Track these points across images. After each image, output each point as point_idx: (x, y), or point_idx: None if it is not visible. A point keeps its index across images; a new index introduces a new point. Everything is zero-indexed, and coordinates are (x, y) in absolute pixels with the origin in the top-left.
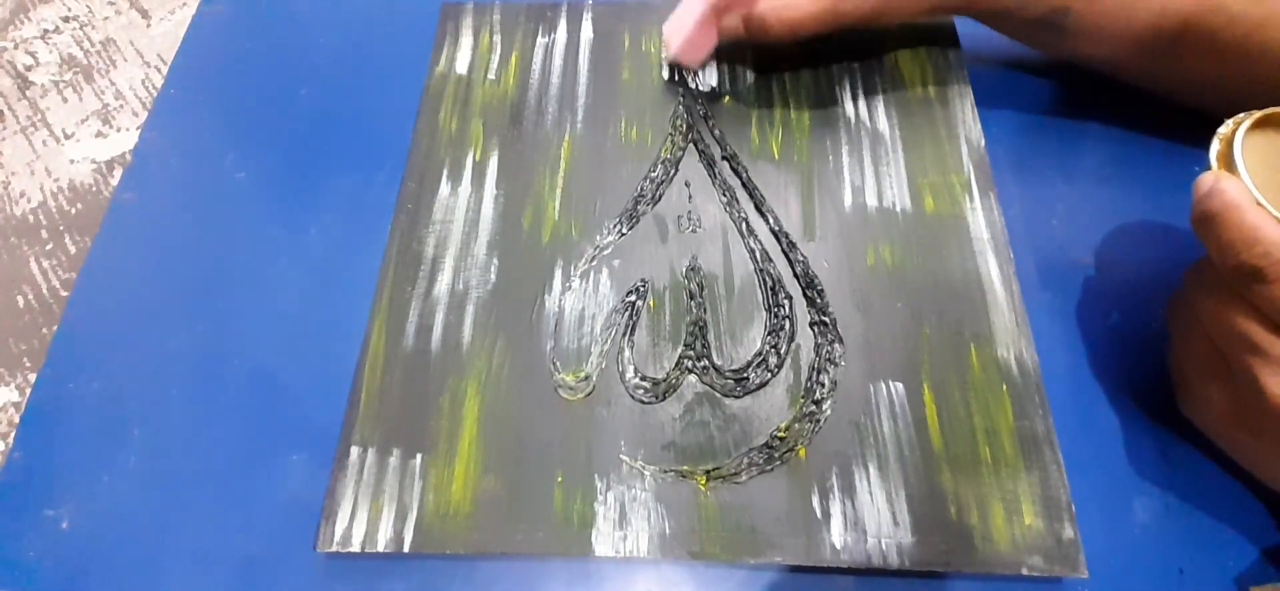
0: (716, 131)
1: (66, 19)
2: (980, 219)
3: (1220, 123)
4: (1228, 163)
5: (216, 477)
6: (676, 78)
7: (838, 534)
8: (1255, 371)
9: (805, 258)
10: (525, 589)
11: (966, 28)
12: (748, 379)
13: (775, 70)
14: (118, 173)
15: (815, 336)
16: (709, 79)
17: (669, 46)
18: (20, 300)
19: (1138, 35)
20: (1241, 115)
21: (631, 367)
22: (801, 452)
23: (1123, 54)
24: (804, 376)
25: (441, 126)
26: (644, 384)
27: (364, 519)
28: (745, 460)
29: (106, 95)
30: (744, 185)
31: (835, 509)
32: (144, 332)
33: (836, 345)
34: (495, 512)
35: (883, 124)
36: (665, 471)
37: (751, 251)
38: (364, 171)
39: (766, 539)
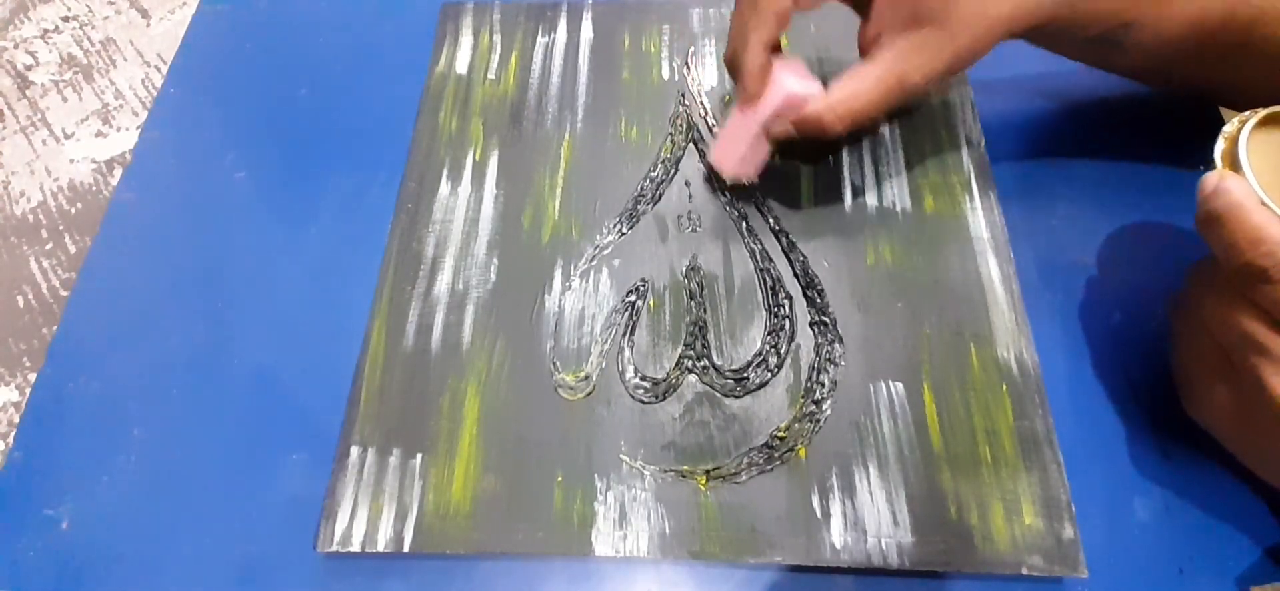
0: (716, 131)
1: (66, 19)
2: (980, 219)
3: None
4: (1232, 162)
5: (216, 477)
6: (678, 76)
7: (838, 533)
8: (1259, 371)
9: (805, 257)
10: (525, 589)
11: None
12: (748, 379)
13: None
14: (118, 172)
15: (815, 336)
16: (709, 78)
17: (722, 170)
18: (20, 300)
19: (1199, 45)
20: (1246, 114)
21: (631, 367)
22: (801, 452)
23: (1181, 64)
24: (804, 376)
25: (441, 126)
26: (644, 384)
27: (364, 518)
28: (745, 460)
29: (106, 95)
30: (744, 185)
31: (835, 509)
32: (144, 332)
33: (836, 345)
34: (495, 512)
35: (883, 124)
36: (665, 471)
37: (751, 251)
38: (364, 171)
39: (766, 538)
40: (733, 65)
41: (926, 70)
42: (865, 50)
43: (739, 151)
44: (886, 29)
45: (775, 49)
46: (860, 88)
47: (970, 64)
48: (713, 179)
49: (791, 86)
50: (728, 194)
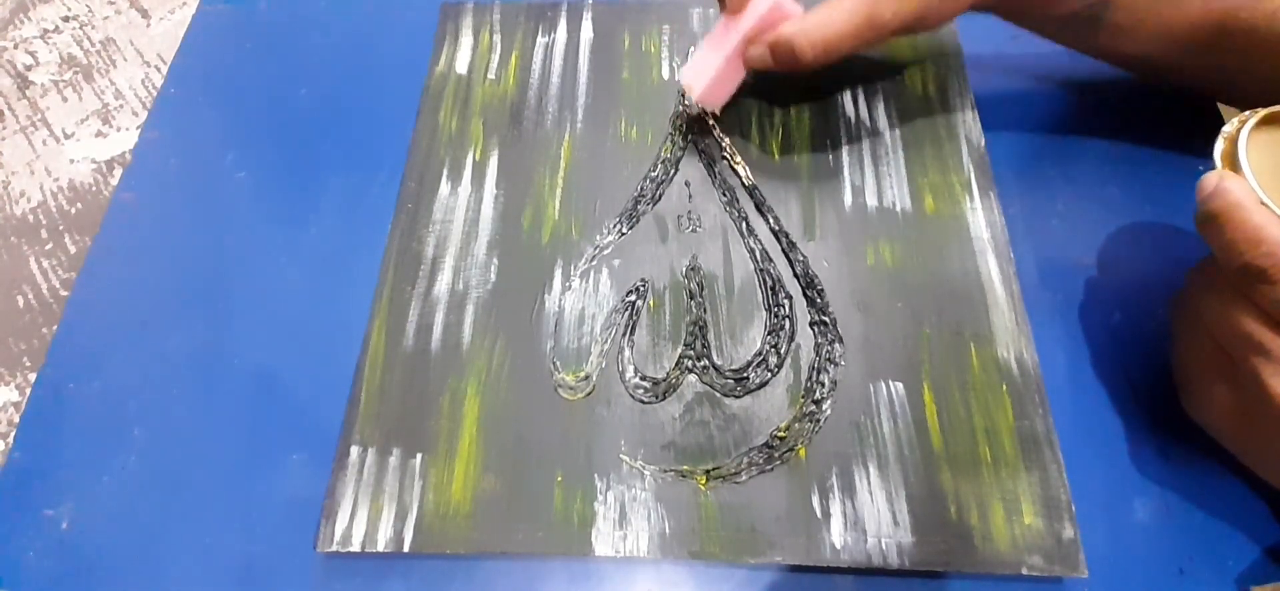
0: (716, 131)
1: (66, 19)
2: (980, 219)
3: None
4: (1232, 162)
5: (216, 477)
6: (678, 76)
7: (838, 533)
8: (1259, 371)
9: (805, 257)
10: (525, 589)
11: (967, 27)
12: (748, 378)
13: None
14: (118, 172)
15: (815, 336)
16: None
17: (691, 91)
18: (20, 300)
19: (1176, 30)
20: (1246, 113)
21: (631, 367)
22: (801, 452)
23: (1159, 49)
24: (804, 376)
25: (441, 126)
26: (644, 383)
27: (364, 519)
28: (745, 460)
29: (106, 95)
30: (744, 185)
31: (835, 508)
32: (144, 332)
33: (836, 345)
34: (495, 512)
35: (883, 124)
36: (665, 471)
37: (751, 251)
38: (364, 171)
39: (766, 538)
40: None
41: (897, 9)
42: None
43: (712, 71)
44: None
45: None
46: (833, 16)
47: (943, 19)
48: (708, 169)
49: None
50: (727, 194)
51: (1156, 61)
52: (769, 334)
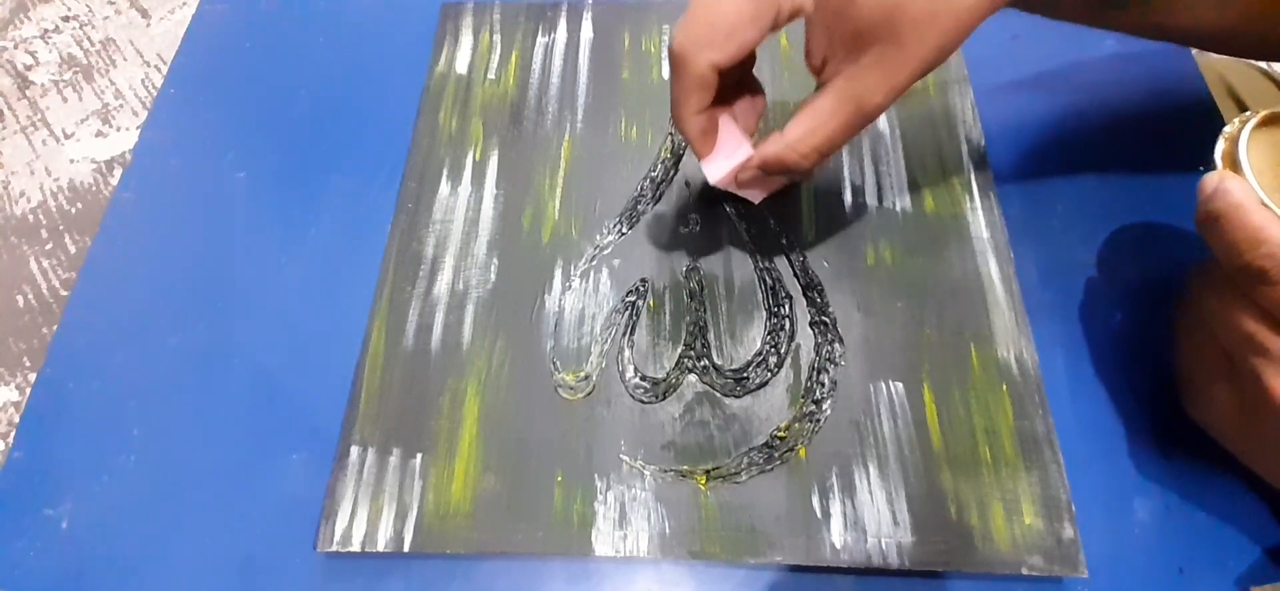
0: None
1: (66, 19)
2: (980, 219)
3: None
4: (1233, 162)
5: (216, 477)
6: None
7: (838, 533)
8: (1260, 372)
9: (805, 257)
10: (525, 589)
11: None
12: (748, 378)
13: (775, 71)
14: (117, 172)
15: (815, 336)
16: None
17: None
18: (20, 300)
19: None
20: (1247, 114)
21: (631, 367)
22: (801, 452)
23: (1214, 18)
24: (804, 376)
25: (441, 126)
26: (644, 383)
27: (364, 518)
28: (745, 460)
29: (106, 95)
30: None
31: (835, 508)
32: (144, 333)
33: (836, 345)
34: (495, 512)
35: (883, 124)
36: (665, 471)
37: (751, 251)
38: (364, 171)
39: (766, 538)
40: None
41: (886, 89)
42: (816, 74)
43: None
44: (830, 55)
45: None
46: (817, 122)
47: (942, 61)
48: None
49: (743, 146)
50: (727, 193)
51: (1211, 30)
52: (769, 334)
